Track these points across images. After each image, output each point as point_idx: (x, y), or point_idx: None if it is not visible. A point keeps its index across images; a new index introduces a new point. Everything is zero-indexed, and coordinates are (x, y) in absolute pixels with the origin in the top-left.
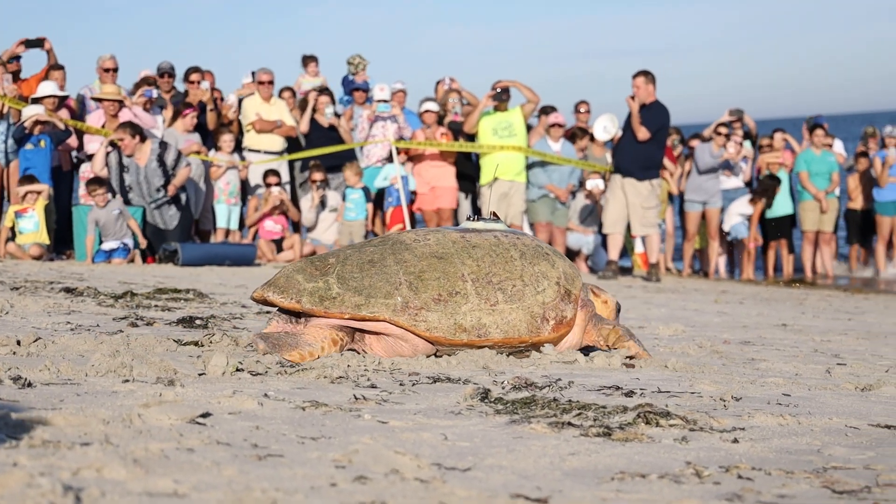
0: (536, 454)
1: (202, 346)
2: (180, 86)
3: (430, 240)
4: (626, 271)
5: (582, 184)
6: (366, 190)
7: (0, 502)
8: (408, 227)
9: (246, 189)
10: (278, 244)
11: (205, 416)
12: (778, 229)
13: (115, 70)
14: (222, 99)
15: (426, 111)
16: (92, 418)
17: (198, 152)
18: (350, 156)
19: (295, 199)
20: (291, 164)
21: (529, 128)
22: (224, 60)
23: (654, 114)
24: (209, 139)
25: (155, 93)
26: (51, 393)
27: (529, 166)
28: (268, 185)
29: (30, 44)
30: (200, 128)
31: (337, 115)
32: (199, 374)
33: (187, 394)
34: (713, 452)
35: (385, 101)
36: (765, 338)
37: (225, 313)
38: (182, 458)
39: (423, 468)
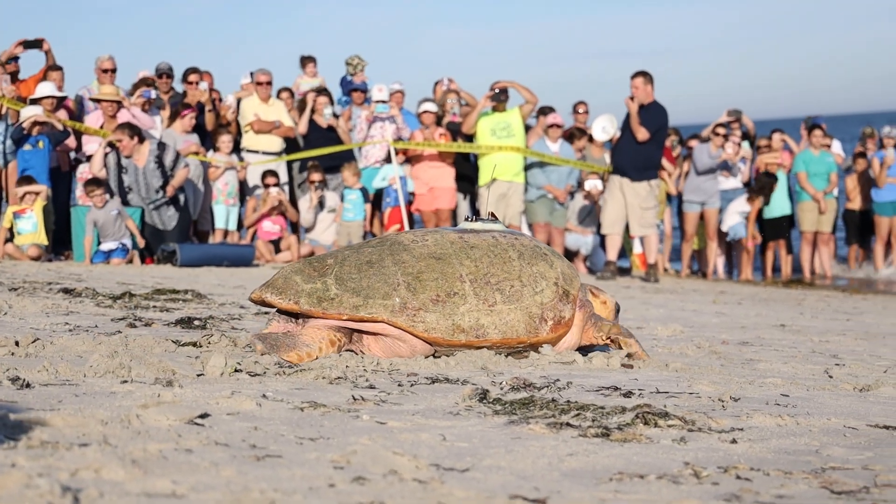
0: (535, 455)
1: (200, 346)
2: (179, 86)
3: (428, 240)
4: (625, 272)
5: (580, 184)
6: (364, 190)
7: None
8: (406, 227)
9: (244, 190)
10: (276, 245)
11: (203, 416)
12: (776, 230)
13: (114, 71)
14: (221, 100)
15: (424, 112)
16: (90, 419)
17: (196, 153)
18: (348, 156)
19: (293, 200)
20: (290, 164)
21: (528, 128)
22: (222, 61)
23: (653, 114)
24: (207, 140)
25: (153, 93)
26: (49, 394)
27: (528, 167)
28: (266, 186)
29: (28, 44)
30: (199, 128)
31: (335, 116)
32: (198, 375)
33: (186, 394)
34: (712, 453)
35: (383, 101)
36: (763, 338)
37: (223, 314)
38: (180, 458)
39: (422, 469)
